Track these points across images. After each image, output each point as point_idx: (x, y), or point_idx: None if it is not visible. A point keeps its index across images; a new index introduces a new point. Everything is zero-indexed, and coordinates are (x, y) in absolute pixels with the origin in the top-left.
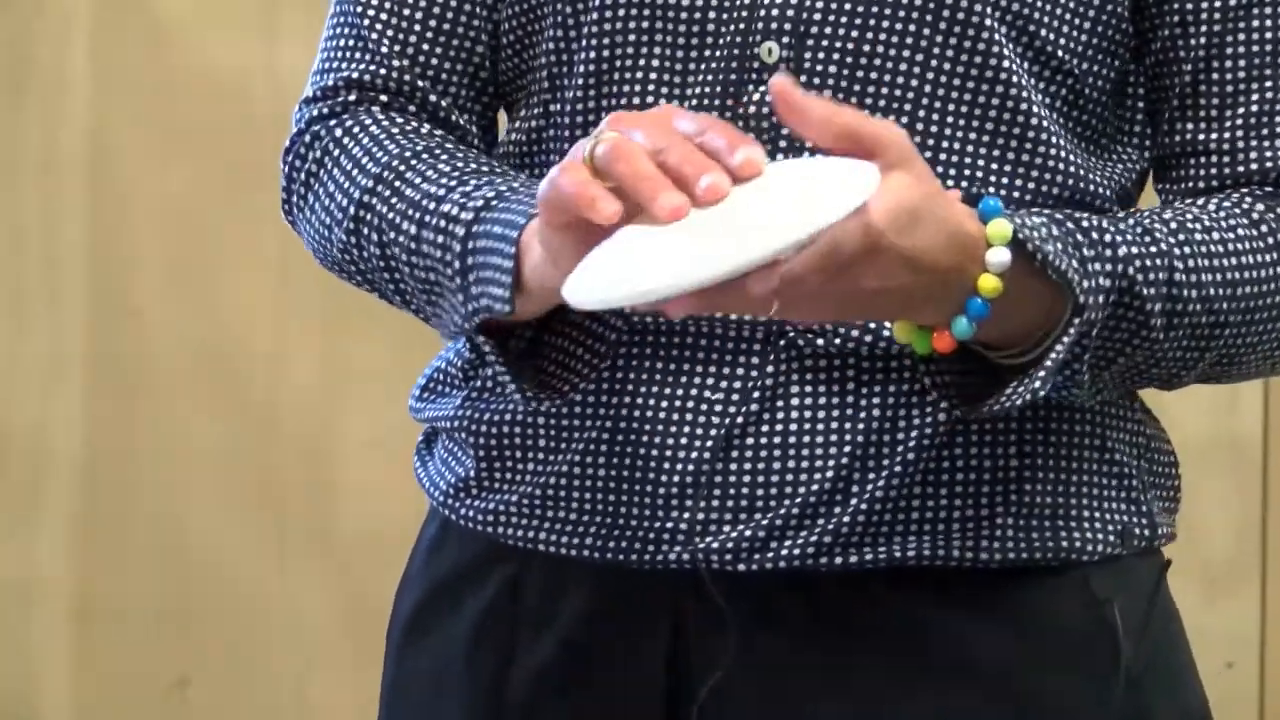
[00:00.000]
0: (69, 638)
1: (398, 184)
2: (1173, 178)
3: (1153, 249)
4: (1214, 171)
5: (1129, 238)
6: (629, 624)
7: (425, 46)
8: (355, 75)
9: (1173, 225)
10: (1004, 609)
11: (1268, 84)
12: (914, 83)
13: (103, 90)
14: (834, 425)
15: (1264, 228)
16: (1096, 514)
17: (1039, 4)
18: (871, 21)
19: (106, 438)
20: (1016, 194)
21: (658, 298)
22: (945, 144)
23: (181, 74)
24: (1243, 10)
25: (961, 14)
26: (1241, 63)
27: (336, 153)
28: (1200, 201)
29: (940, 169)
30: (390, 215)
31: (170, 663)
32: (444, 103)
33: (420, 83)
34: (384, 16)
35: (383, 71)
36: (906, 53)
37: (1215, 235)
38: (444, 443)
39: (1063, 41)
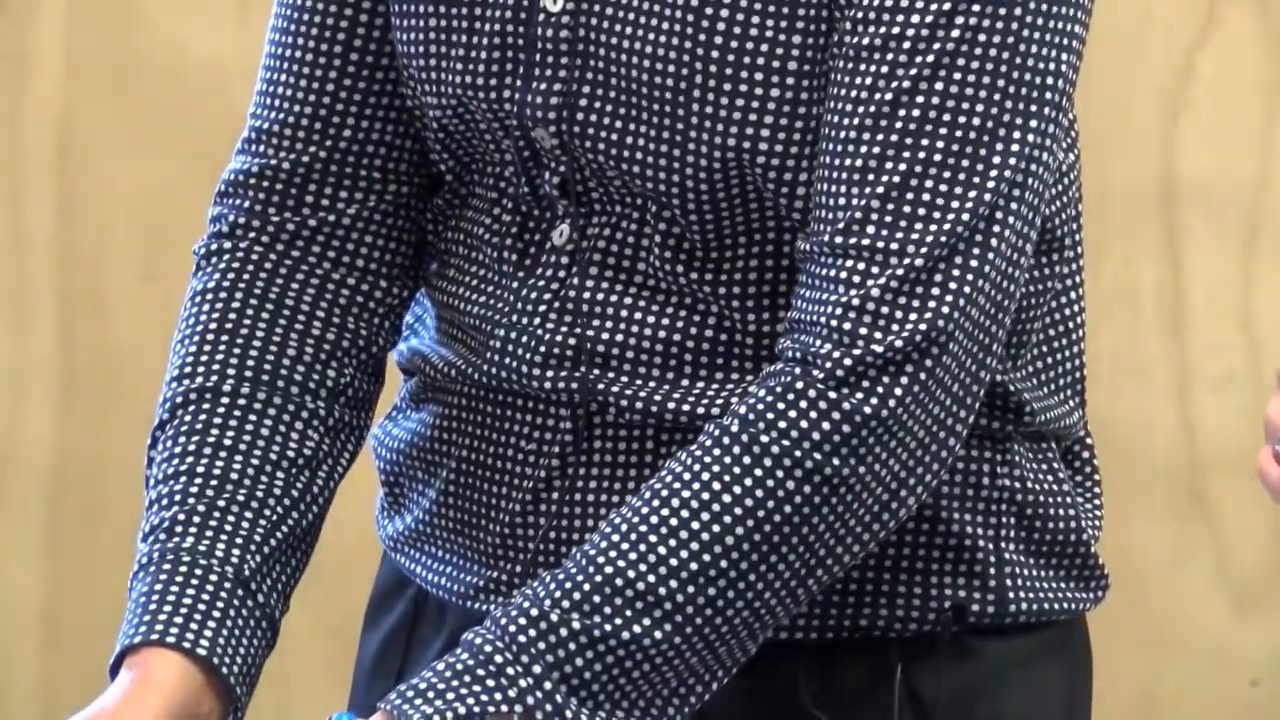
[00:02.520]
0: (37, 648)
1: (155, 428)
2: (800, 232)
3: (594, 579)
4: (819, 228)
5: (562, 590)
6: None
7: (319, 126)
8: (253, 169)
9: (624, 527)
10: (787, 685)
11: (879, 136)
12: (675, 173)
13: (73, 77)
14: (630, 486)
15: (745, 436)
16: (918, 589)
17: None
18: (633, 113)
19: (77, 445)
20: (759, 270)
21: None
22: (715, 246)
23: (153, 61)
24: (867, 53)
25: (705, 105)
26: (860, 109)
27: (183, 313)
28: (689, 447)
29: (701, 273)
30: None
31: None
32: (324, 189)
33: (297, 175)
34: (278, 76)
35: (281, 170)
36: (665, 146)
37: (690, 490)
38: None
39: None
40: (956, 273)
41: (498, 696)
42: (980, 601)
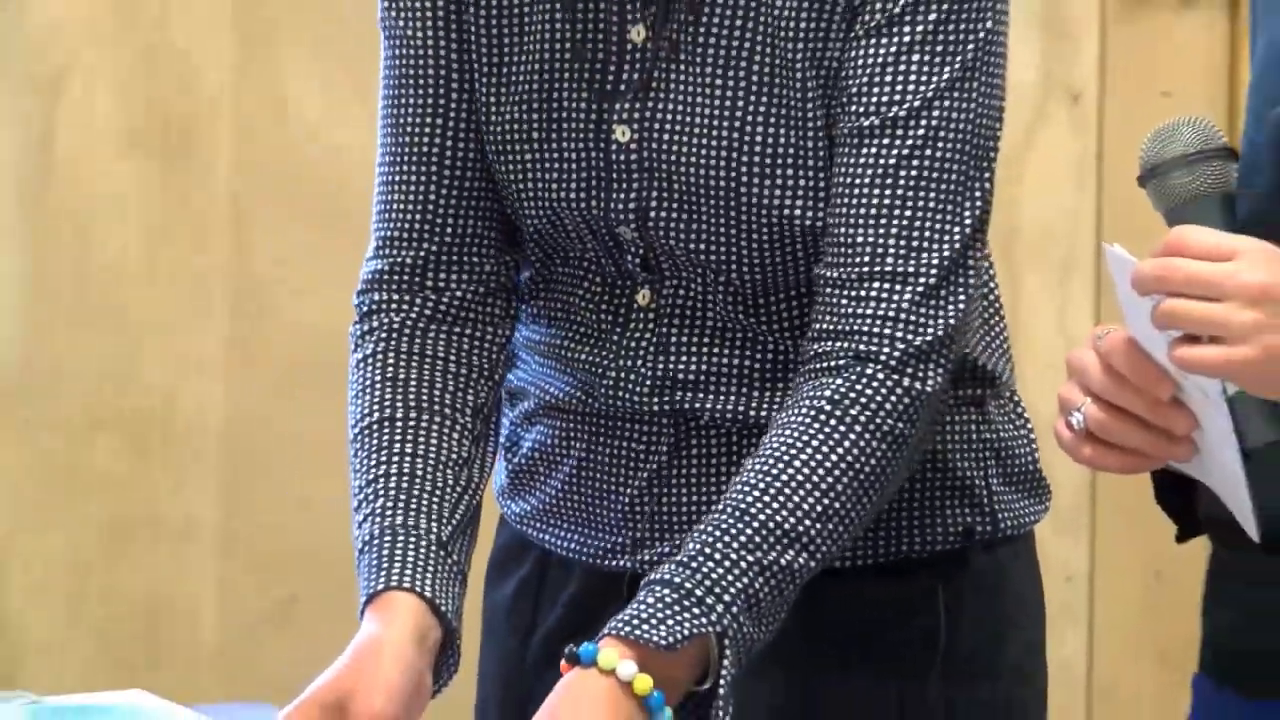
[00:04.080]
0: (215, 561)
1: (351, 456)
2: (821, 262)
3: (753, 524)
4: (847, 259)
5: (730, 535)
6: (601, 609)
7: (430, 224)
8: (377, 256)
9: (761, 484)
10: (852, 600)
11: (888, 190)
12: (731, 249)
13: (241, 157)
14: (722, 473)
15: (839, 411)
16: (939, 519)
17: (821, 174)
18: (695, 208)
19: (243, 413)
20: (798, 307)
21: None
22: (762, 295)
23: (300, 142)
24: (868, 131)
25: (751, 197)
26: (870, 171)
27: (352, 379)
28: (784, 422)
29: (756, 315)
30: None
31: (284, 583)
32: (441, 274)
33: (420, 262)
34: (395, 189)
35: (394, 262)
36: (723, 228)
37: (806, 454)
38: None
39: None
40: (956, 287)
41: (703, 621)
42: (981, 523)
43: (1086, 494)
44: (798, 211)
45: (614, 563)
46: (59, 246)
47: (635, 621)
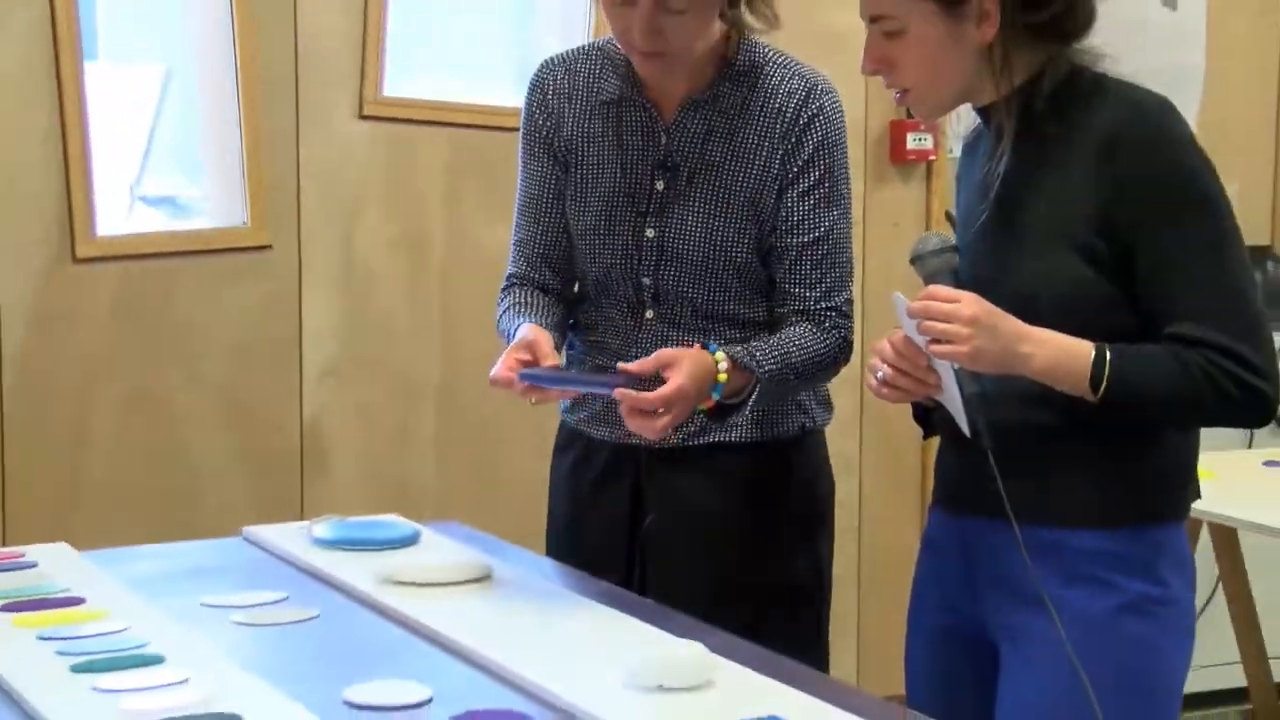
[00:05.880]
0: (434, 451)
1: (502, 318)
2: (786, 308)
3: (781, 358)
4: (798, 301)
5: (774, 355)
6: (619, 472)
7: (538, 259)
8: (513, 271)
9: (780, 350)
10: (757, 459)
11: (815, 271)
12: (717, 290)
13: (449, 252)
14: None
15: (815, 330)
16: (788, 421)
17: (761, 240)
18: (682, 271)
19: (450, 374)
20: (729, 318)
21: None
22: (714, 313)
23: (477, 244)
24: (801, 245)
25: (712, 267)
26: (805, 264)
27: (501, 304)
28: (787, 329)
29: (710, 321)
30: (502, 323)
31: (484, 466)
32: (544, 279)
33: (535, 273)
34: (522, 243)
35: (521, 270)
36: (696, 281)
37: (797, 342)
38: None
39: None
40: (849, 319)
41: (758, 372)
42: (809, 422)
43: (857, 413)
44: (733, 277)
45: (627, 442)
46: (356, 293)
47: (736, 354)
